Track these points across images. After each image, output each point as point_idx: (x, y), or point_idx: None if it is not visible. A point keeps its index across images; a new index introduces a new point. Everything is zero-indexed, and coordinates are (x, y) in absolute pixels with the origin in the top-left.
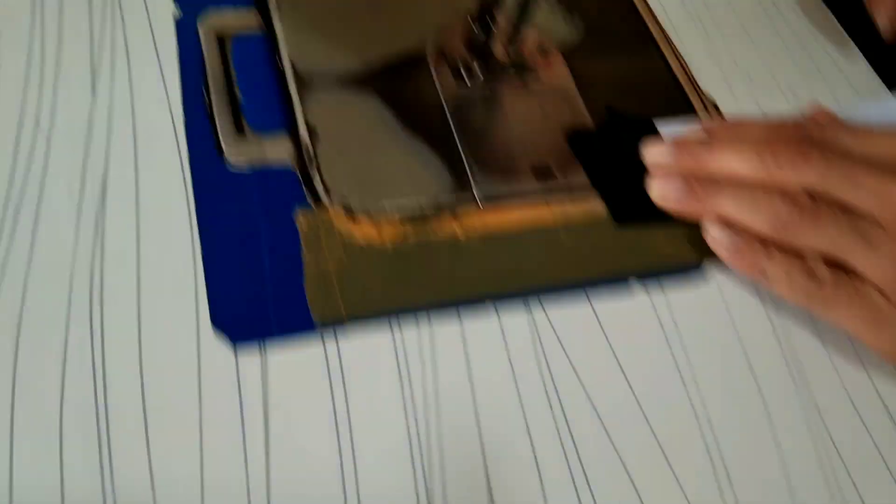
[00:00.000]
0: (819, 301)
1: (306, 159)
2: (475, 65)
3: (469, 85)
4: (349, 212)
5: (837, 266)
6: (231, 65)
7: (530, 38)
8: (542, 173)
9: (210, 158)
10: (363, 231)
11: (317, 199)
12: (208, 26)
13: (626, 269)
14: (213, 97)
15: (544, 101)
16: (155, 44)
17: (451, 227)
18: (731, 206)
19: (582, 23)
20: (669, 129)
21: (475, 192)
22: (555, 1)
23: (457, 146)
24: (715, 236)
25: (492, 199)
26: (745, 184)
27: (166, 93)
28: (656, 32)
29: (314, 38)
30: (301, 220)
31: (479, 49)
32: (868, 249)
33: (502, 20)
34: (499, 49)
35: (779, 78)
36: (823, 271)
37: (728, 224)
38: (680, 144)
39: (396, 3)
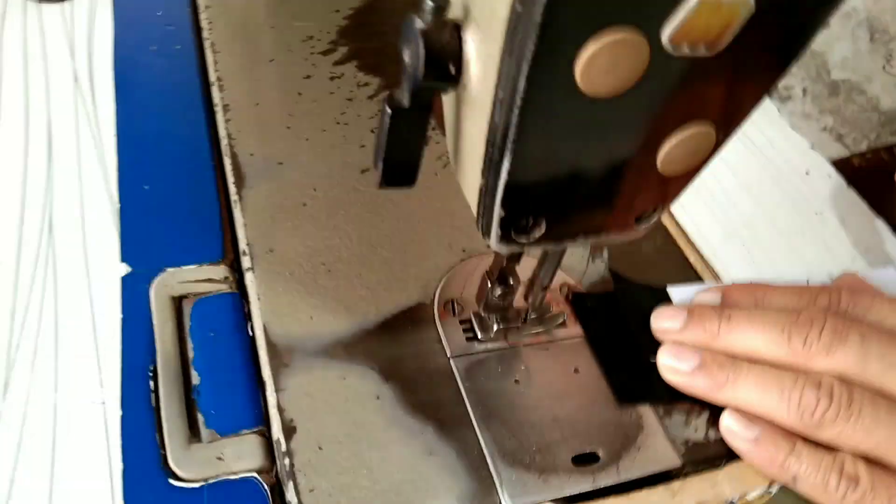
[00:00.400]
0: None
1: (278, 468)
2: (490, 317)
3: (482, 339)
4: None
5: (876, 463)
6: (187, 336)
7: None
8: (585, 460)
9: (150, 473)
10: None
11: None
12: (162, 287)
13: None
14: (160, 385)
15: (578, 357)
16: (93, 312)
17: None
18: (752, 394)
19: (608, 257)
20: (683, 293)
21: (502, 500)
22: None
23: (474, 431)
24: (731, 428)
25: None
26: (768, 367)
27: (100, 378)
28: (694, 258)
29: (295, 295)
30: None
31: (496, 303)
32: None
33: (523, 276)
34: (518, 299)
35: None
36: (861, 471)
37: (745, 410)
38: (694, 312)
39: (394, 246)
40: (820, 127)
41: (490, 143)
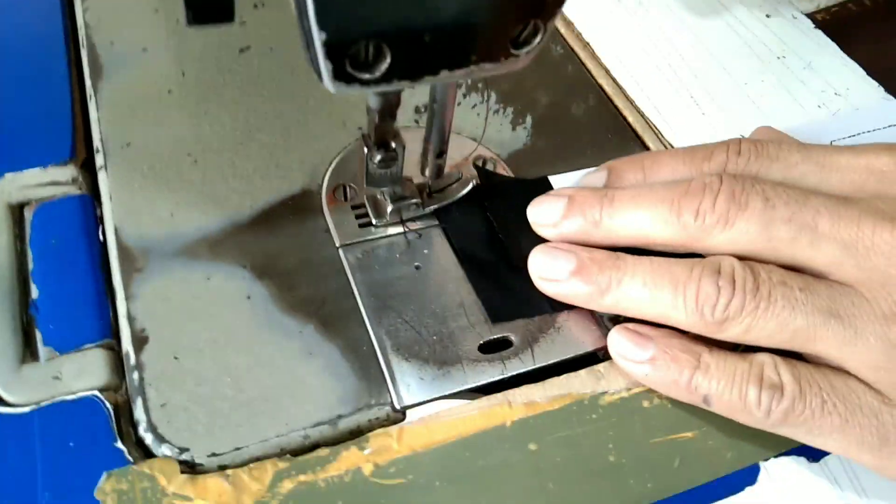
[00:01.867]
0: (784, 420)
1: (127, 384)
2: (384, 196)
3: (377, 224)
4: (189, 466)
5: (801, 358)
6: (27, 246)
7: (467, 151)
8: (494, 348)
9: None
10: (212, 494)
11: (139, 448)
12: None
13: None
14: None
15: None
16: None
17: (357, 461)
18: (641, 295)
19: (533, 123)
20: (567, 181)
21: (394, 398)
22: (499, 105)
23: (364, 326)
24: (620, 351)
25: (420, 407)
26: (658, 259)
27: None
28: (634, 118)
29: (153, 192)
30: (108, 487)
31: (378, 174)
32: (845, 330)
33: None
34: (410, 185)
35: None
36: (785, 374)
37: (636, 315)
38: (575, 197)
39: (276, 129)
40: None
41: None
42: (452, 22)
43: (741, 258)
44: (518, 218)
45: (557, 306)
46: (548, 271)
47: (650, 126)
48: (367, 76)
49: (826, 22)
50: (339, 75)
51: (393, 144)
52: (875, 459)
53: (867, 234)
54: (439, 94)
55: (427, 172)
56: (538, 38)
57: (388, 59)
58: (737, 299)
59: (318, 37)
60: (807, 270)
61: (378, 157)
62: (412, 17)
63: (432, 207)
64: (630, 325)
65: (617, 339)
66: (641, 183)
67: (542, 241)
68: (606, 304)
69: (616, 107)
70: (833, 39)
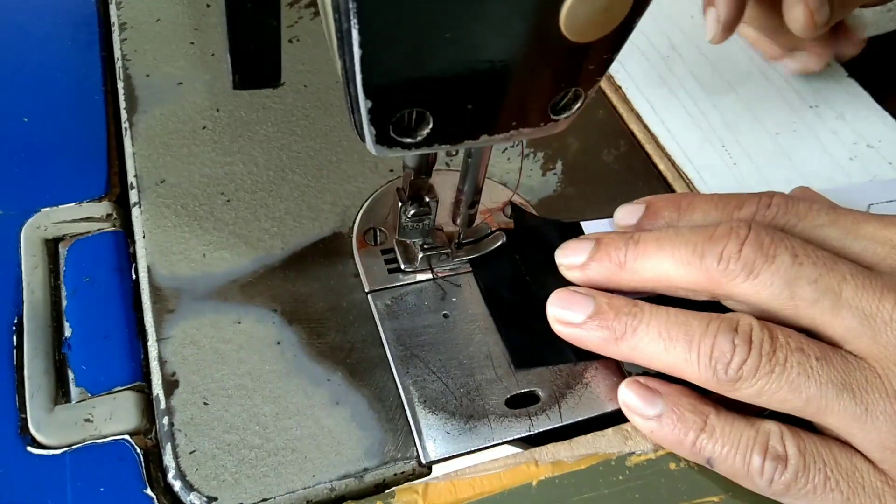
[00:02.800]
0: (787, 492)
1: (157, 428)
2: (415, 244)
3: (406, 270)
4: None
5: (807, 427)
6: (62, 283)
7: (497, 197)
8: (521, 402)
9: (6, 440)
10: None
11: (167, 494)
12: (33, 229)
13: None
14: (25, 339)
15: None
16: None
17: None
18: (656, 346)
19: (563, 169)
20: (599, 226)
21: (420, 453)
22: (530, 150)
23: (392, 375)
24: (629, 403)
25: (447, 462)
26: (676, 310)
27: None
28: (664, 166)
29: (186, 231)
30: None
31: (410, 226)
32: (856, 406)
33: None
34: (441, 235)
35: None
36: (790, 447)
37: (649, 366)
38: (602, 241)
39: (308, 170)
40: None
41: (335, 7)
42: (495, 92)
43: (758, 315)
44: (547, 261)
45: (581, 355)
46: (565, 314)
47: (681, 174)
48: (409, 140)
49: (856, 61)
50: (382, 140)
51: (426, 199)
52: None
53: (887, 309)
54: (475, 150)
55: (458, 222)
56: (577, 105)
57: (430, 125)
58: (752, 360)
59: (364, 105)
60: (821, 336)
61: (412, 212)
62: (456, 87)
63: (462, 259)
64: (641, 379)
65: (626, 393)
66: (674, 222)
67: (569, 284)
68: (621, 352)
69: (647, 154)
70: (866, 81)
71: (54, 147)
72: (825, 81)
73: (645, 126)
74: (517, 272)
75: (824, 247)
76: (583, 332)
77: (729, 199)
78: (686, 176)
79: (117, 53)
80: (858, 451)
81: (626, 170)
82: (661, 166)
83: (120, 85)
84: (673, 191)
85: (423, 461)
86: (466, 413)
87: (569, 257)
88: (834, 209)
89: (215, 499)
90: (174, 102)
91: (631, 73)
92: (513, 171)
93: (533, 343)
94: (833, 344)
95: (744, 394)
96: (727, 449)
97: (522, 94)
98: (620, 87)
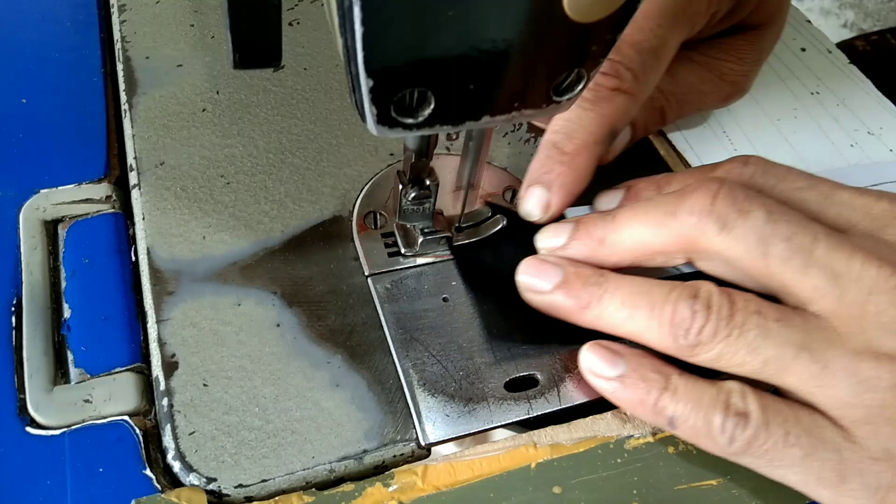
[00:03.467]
0: (747, 449)
1: (156, 409)
2: (415, 228)
3: (406, 253)
4: (216, 496)
5: (768, 389)
6: (61, 265)
7: (497, 181)
8: (520, 386)
9: (5, 420)
10: None
11: (167, 475)
12: (32, 210)
13: None
14: (24, 320)
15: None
16: None
17: (381, 497)
18: (620, 313)
19: None
20: (581, 211)
21: (419, 435)
22: (531, 136)
23: (391, 358)
24: (591, 366)
25: (447, 444)
26: (640, 279)
27: None
28: (664, 151)
29: (185, 214)
30: None
31: (411, 209)
32: (814, 364)
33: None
34: (441, 219)
35: None
36: (751, 403)
37: (613, 332)
38: (580, 221)
39: (308, 153)
40: (840, 23)
41: None
42: (498, 71)
43: (730, 275)
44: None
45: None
46: (534, 282)
47: (682, 159)
48: (410, 121)
49: (866, 53)
50: (384, 120)
51: (427, 182)
52: (832, 496)
53: (855, 268)
54: (476, 133)
55: (459, 205)
56: (580, 86)
57: (432, 106)
58: (710, 325)
59: (365, 84)
60: (790, 296)
61: (412, 195)
62: (458, 67)
63: (462, 242)
64: (603, 342)
65: (587, 355)
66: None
67: None
68: (587, 320)
69: (647, 138)
70: (868, 75)
71: (53, 128)
72: (827, 68)
73: None
74: (498, 262)
75: (800, 209)
76: (551, 299)
77: (706, 166)
78: (687, 161)
79: (116, 35)
80: (819, 410)
81: (627, 155)
82: (662, 151)
83: (119, 67)
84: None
85: (423, 443)
86: (465, 396)
87: (549, 240)
88: (812, 176)
89: (214, 479)
90: (174, 85)
91: None
92: (513, 156)
93: (515, 332)
94: (800, 305)
95: (703, 358)
96: (689, 407)
97: (525, 74)
98: None
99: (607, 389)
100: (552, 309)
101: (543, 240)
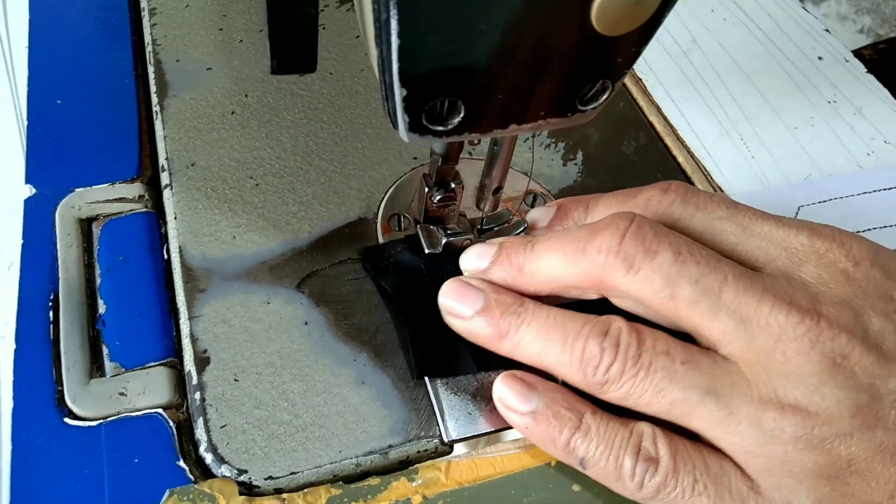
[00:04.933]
0: (656, 496)
1: (189, 403)
2: (438, 229)
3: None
4: (246, 487)
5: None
6: (95, 262)
7: (518, 185)
8: None
9: (44, 411)
10: None
11: (199, 467)
12: (68, 208)
13: None
14: (61, 315)
15: None
16: None
17: (406, 492)
18: (535, 345)
19: (583, 160)
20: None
21: (443, 432)
22: (552, 141)
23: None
24: (504, 399)
25: (470, 441)
26: (557, 310)
27: None
28: (683, 158)
29: (216, 213)
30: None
31: (436, 211)
32: (720, 410)
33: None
34: (464, 221)
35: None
36: (661, 447)
37: (529, 363)
38: (504, 245)
39: (334, 156)
40: (857, 28)
41: None
42: (526, 82)
43: (643, 314)
44: (449, 269)
45: (483, 366)
46: (455, 306)
47: (699, 167)
48: (440, 128)
49: (873, 61)
50: (415, 127)
51: (452, 185)
52: None
53: (763, 314)
54: (500, 139)
55: (483, 206)
56: (605, 96)
57: (462, 114)
58: (617, 364)
59: (398, 93)
60: (700, 338)
61: (438, 197)
62: (488, 77)
63: None
64: (518, 373)
65: (501, 388)
66: (582, 221)
67: None
68: (505, 350)
69: (666, 146)
70: (884, 83)
71: (87, 129)
72: (844, 77)
73: (664, 118)
74: (418, 278)
75: (718, 240)
76: (471, 325)
77: (630, 190)
78: (704, 168)
79: (147, 39)
80: (727, 456)
81: (645, 161)
82: (680, 158)
83: (150, 70)
84: (691, 182)
85: (446, 440)
86: (488, 395)
87: (472, 262)
88: (734, 204)
89: (245, 471)
90: (203, 87)
91: (652, 65)
92: (532, 160)
93: (435, 352)
94: (711, 347)
95: (612, 396)
96: (601, 449)
97: (552, 84)
98: (641, 80)
99: (519, 424)
100: (472, 335)
101: (467, 261)
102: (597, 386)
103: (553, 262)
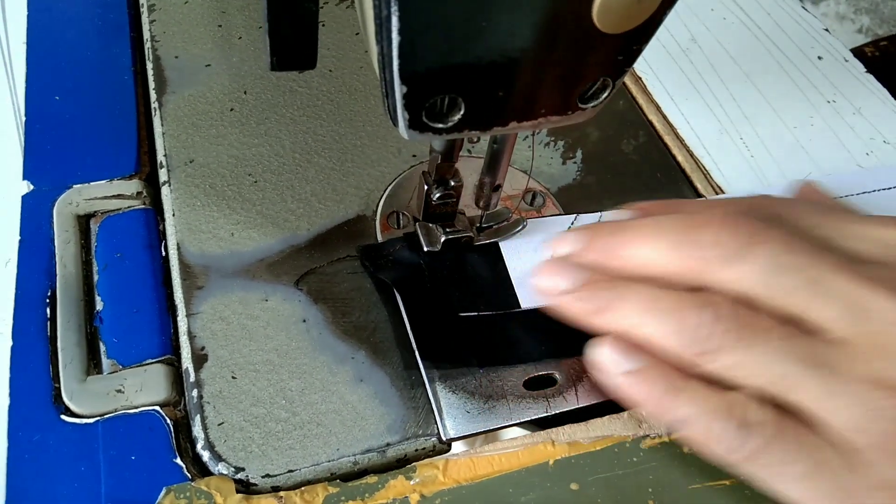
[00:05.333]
0: (749, 458)
1: (186, 400)
2: (437, 227)
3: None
4: (244, 485)
5: (778, 405)
6: (93, 258)
7: (517, 183)
8: (539, 385)
9: (40, 408)
10: None
11: (196, 464)
12: (66, 204)
13: None
14: (58, 311)
15: None
16: None
17: (404, 490)
18: (633, 317)
19: (582, 158)
20: (591, 217)
21: (441, 430)
22: (551, 139)
23: (414, 357)
24: (606, 357)
25: (467, 439)
26: (657, 287)
27: None
28: (682, 157)
29: (214, 210)
30: (167, 501)
31: (436, 209)
32: (826, 384)
33: (466, 177)
34: (463, 219)
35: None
36: (760, 414)
37: (633, 344)
38: (595, 230)
39: (333, 153)
40: (855, 28)
41: None
42: (527, 80)
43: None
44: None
45: (484, 362)
46: (549, 284)
47: (699, 166)
48: (440, 126)
49: (875, 58)
50: (415, 125)
51: (452, 183)
52: None
53: (871, 299)
54: (500, 137)
55: (481, 204)
56: (606, 94)
57: (462, 111)
58: (728, 332)
59: (399, 90)
60: (804, 324)
61: (437, 195)
62: (489, 75)
63: (483, 242)
64: (616, 339)
65: (604, 349)
66: None
67: (500, 290)
68: (600, 324)
69: (665, 144)
70: (883, 83)
71: (85, 125)
72: (843, 76)
73: (664, 117)
74: (418, 276)
75: (815, 239)
76: (567, 301)
77: (720, 200)
78: (704, 167)
79: (146, 35)
80: (824, 431)
81: (645, 160)
82: (680, 157)
83: (149, 66)
84: (690, 181)
85: (444, 438)
86: (486, 393)
87: (563, 247)
88: (823, 210)
89: (242, 469)
90: (202, 84)
91: (651, 64)
92: (531, 158)
93: (441, 342)
94: (817, 331)
95: (714, 367)
96: (702, 410)
97: (553, 82)
98: (640, 78)
99: (622, 384)
100: (566, 311)
101: (558, 246)
102: (700, 356)
103: (651, 250)
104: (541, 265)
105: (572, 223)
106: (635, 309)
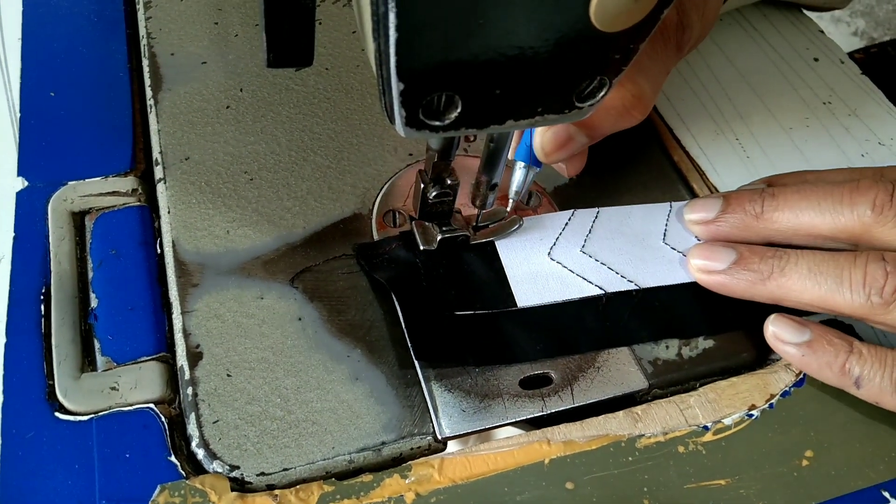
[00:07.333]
0: None
1: (181, 398)
2: (434, 226)
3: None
4: (238, 483)
5: None
6: (88, 255)
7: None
8: (535, 384)
9: (34, 405)
10: None
11: (191, 462)
12: (60, 201)
13: None
14: (52, 308)
15: None
16: None
17: (399, 489)
18: (805, 281)
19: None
20: (586, 214)
21: (436, 429)
22: None
23: (409, 353)
24: (779, 334)
25: (463, 438)
26: (817, 251)
27: None
28: (678, 157)
29: (210, 208)
30: (162, 499)
31: (433, 207)
32: None
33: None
34: (459, 218)
35: None
36: None
37: (796, 302)
38: (732, 195)
39: (330, 151)
40: (851, 31)
41: None
42: (523, 78)
43: None
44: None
45: (480, 361)
46: (709, 263)
47: (695, 166)
48: (437, 123)
49: (864, 62)
50: (412, 122)
51: (448, 181)
52: None
53: None
54: (496, 135)
55: (478, 203)
56: (602, 93)
57: (459, 109)
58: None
59: (396, 87)
60: None
61: (434, 193)
62: (486, 72)
63: (479, 241)
64: (786, 314)
65: (777, 324)
66: (758, 214)
67: (497, 289)
68: (769, 291)
69: (661, 144)
70: (879, 85)
71: (81, 122)
72: (839, 78)
73: (660, 117)
74: (414, 274)
75: None
76: (727, 278)
77: (862, 170)
78: (700, 168)
79: (142, 32)
80: None
81: (641, 160)
82: (676, 157)
83: (145, 63)
84: (686, 181)
85: (439, 437)
86: (481, 392)
87: (698, 213)
88: None
89: (237, 467)
90: (198, 81)
91: None
92: None
93: (436, 340)
94: None
95: (893, 316)
96: (875, 368)
97: (550, 80)
98: None
99: (795, 355)
100: (729, 286)
101: (693, 212)
102: (881, 307)
103: (806, 212)
104: (693, 250)
105: (568, 221)
106: (805, 272)
